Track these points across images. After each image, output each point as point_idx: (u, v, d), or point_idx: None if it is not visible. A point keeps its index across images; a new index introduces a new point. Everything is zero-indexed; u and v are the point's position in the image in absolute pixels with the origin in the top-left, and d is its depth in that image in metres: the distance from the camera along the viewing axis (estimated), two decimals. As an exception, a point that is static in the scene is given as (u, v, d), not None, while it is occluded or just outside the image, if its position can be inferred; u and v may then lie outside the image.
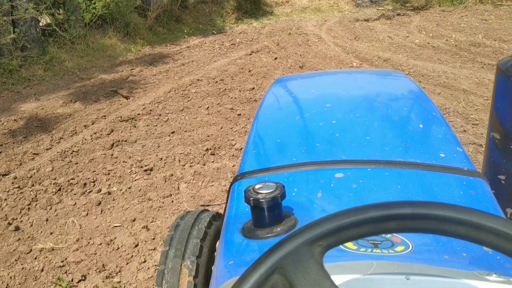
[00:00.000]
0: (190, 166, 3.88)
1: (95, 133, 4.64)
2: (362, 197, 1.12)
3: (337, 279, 0.75)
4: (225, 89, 5.81)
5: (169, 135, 4.53)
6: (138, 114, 5.11)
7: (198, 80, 6.28)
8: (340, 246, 0.77)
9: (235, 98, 5.49)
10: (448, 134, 1.48)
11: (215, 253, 1.60)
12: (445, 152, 1.35)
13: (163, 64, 7.31)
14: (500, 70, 1.53)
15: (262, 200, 0.94)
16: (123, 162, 4.00)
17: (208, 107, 5.23)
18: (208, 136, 4.45)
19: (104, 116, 5.18)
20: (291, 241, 0.53)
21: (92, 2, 7.42)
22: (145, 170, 3.84)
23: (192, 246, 1.49)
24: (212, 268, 1.48)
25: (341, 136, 1.47)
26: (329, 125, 1.55)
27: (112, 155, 4.16)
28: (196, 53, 7.95)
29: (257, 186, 0.97)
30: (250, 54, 7.60)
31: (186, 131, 4.62)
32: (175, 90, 5.87)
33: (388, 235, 0.93)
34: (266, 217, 0.98)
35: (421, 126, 1.53)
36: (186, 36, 9.24)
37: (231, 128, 4.63)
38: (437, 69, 6.18)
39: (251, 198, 0.95)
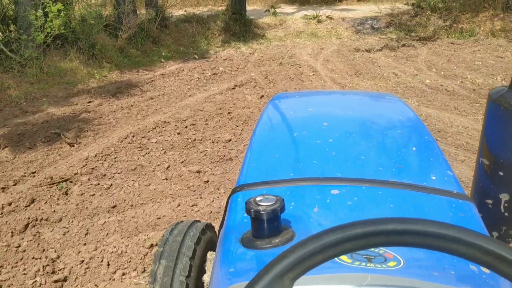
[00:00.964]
0: (122, 276, 2.69)
1: (10, 204, 3.44)
2: (357, 214, 1.15)
3: None
4: (195, 139, 4.64)
5: (106, 213, 3.34)
6: (76, 173, 3.91)
7: (165, 122, 5.11)
8: (336, 259, 0.85)
9: (206, 153, 4.33)
10: (440, 158, 1.54)
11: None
12: (436, 175, 1.41)
13: (128, 96, 6.14)
14: (491, 99, 1.55)
15: (263, 212, 0.96)
16: (30, 263, 2.80)
17: (168, 167, 4.06)
18: (158, 219, 3.26)
19: (33, 173, 3.98)
20: (262, 280, 0.54)
21: (48, 20, 6.23)
22: (56, 281, 2.65)
23: None
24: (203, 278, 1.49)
25: (337, 154, 1.52)
26: (326, 143, 1.61)
27: (18, 247, 2.95)
28: (171, 83, 6.79)
29: (258, 198, 1.00)
30: (233, 89, 6.46)
31: (131, 207, 3.43)
32: (132, 137, 4.69)
33: (381, 251, 0.96)
34: (265, 228, 1.00)
35: (414, 149, 1.59)
36: (163, 60, 8.09)
37: (193, 205, 3.45)
38: (456, 122, 5.08)
39: (252, 210, 0.97)
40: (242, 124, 5.10)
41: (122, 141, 4.60)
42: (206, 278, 1.46)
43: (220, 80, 6.93)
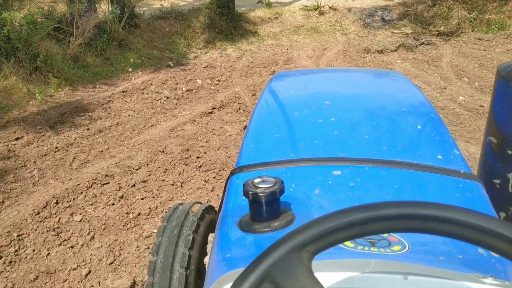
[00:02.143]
0: None
1: None
2: (359, 195, 1.12)
3: (335, 276, 0.78)
4: (140, 213, 3.19)
5: None
6: None
7: (107, 176, 3.66)
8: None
9: (151, 240, 2.89)
10: (446, 137, 1.49)
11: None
12: (442, 154, 1.36)
13: (71, 128, 4.67)
14: (500, 75, 1.51)
15: (261, 194, 0.93)
16: None
17: (88, 273, 2.63)
18: None
19: None
20: (279, 248, 0.52)
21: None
22: None
23: None
24: (205, 260, 1.49)
25: (340, 134, 1.47)
26: (328, 122, 1.56)
27: None
28: (132, 104, 5.31)
29: (256, 180, 0.96)
30: (210, 113, 4.99)
31: None
32: (54, 205, 3.26)
33: (385, 234, 0.92)
34: (264, 211, 0.97)
35: (419, 127, 1.55)
36: (131, 69, 6.59)
37: None
38: None
39: (250, 192, 0.94)
40: (215, 178, 3.65)
41: (36, 214, 3.16)
42: (207, 260, 1.42)
43: (195, 99, 5.44)
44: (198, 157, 3.98)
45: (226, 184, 1.36)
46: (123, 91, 5.70)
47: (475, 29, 8.42)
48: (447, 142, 1.46)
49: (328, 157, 1.32)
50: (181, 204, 1.79)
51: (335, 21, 9.19)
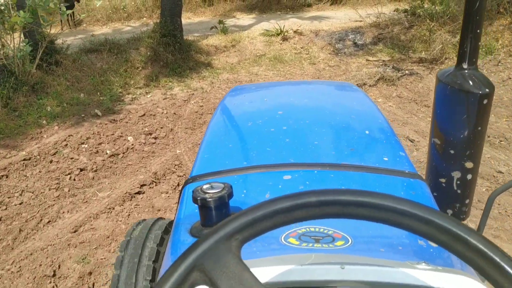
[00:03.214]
0: None
1: None
2: None
3: (275, 270, 0.81)
4: None
5: None
6: None
7: None
8: (283, 241, 0.94)
9: None
10: (392, 140, 1.57)
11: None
12: (388, 156, 1.43)
13: None
14: (439, 80, 1.59)
15: (210, 199, 0.95)
16: None
17: None
18: None
19: None
20: (208, 239, 0.54)
21: None
22: None
23: None
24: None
25: (291, 141, 1.53)
26: (280, 130, 1.61)
27: None
28: (32, 181, 3.86)
29: (204, 187, 0.99)
30: (136, 194, 3.60)
31: None
32: None
33: (330, 231, 0.97)
34: (213, 216, 0.99)
35: (367, 132, 1.61)
36: (45, 122, 5.13)
37: None
38: None
39: (199, 198, 0.96)
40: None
41: None
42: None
43: (119, 170, 4.04)
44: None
45: (180, 194, 1.38)
46: (25, 159, 4.23)
47: (460, 55, 7.38)
48: (393, 145, 1.54)
49: (279, 163, 1.36)
50: (144, 220, 1.78)
51: (301, 47, 7.99)
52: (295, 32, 8.39)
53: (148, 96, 6.06)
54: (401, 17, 8.76)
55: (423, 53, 7.35)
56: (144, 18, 10.16)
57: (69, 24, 9.08)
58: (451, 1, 7.91)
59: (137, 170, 4.01)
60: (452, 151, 1.59)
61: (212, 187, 0.99)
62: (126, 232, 1.67)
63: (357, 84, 6.18)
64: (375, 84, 6.19)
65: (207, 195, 0.96)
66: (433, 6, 8.12)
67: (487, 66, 6.82)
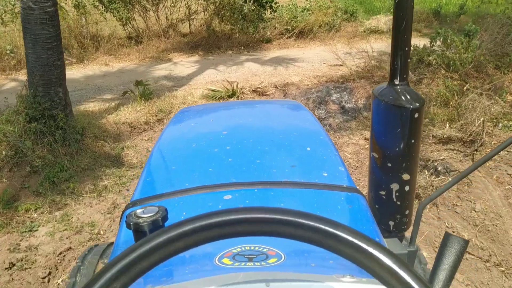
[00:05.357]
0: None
1: None
2: None
3: None
4: None
5: None
6: None
7: None
8: (217, 262, 0.94)
9: None
10: (332, 156, 1.61)
11: None
12: (328, 171, 1.48)
13: None
14: (374, 95, 1.63)
15: (143, 223, 0.90)
16: None
17: None
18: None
19: None
20: None
21: None
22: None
23: None
24: None
25: (233, 160, 1.54)
26: (224, 151, 1.62)
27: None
28: None
29: (138, 211, 0.93)
30: None
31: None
32: None
33: (265, 249, 0.98)
34: None
35: (308, 149, 1.66)
36: None
37: None
38: None
39: (131, 223, 0.91)
40: None
41: None
42: None
43: None
44: None
45: (120, 219, 1.35)
46: None
47: (504, 127, 4.92)
48: (333, 160, 1.57)
49: (220, 184, 1.36)
50: (96, 245, 1.81)
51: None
52: (254, 91, 5.70)
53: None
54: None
55: (447, 126, 4.83)
56: (11, 75, 7.17)
57: None
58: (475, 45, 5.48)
59: None
60: (389, 164, 1.64)
61: (146, 211, 0.93)
62: (78, 258, 1.65)
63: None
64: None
65: (140, 220, 0.90)
66: (447, 51, 5.68)
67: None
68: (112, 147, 4.55)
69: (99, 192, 3.89)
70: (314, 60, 7.51)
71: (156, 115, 5.05)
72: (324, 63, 7.28)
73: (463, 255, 0.87)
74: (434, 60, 5.61)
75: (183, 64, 7.55)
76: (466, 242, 0.87)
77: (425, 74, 5.70)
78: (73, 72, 7.16)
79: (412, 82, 5.72)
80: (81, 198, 3.80)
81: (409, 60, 1.52)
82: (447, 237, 0.87)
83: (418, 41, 6.70)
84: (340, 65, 7.00)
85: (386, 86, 1.63)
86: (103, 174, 4.16)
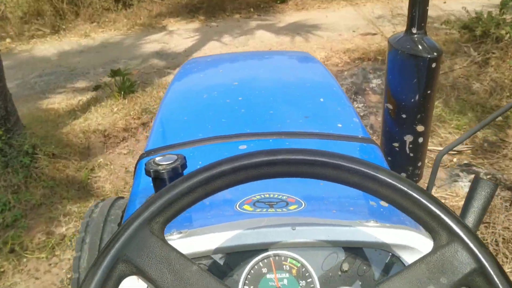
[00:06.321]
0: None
1: None
2: None
3: (228, 235, 0.81)
4: None
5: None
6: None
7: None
8: (238, 208, 0.92)
9: None
10: (346, 107, 1.58)
11: None
12: (342, 122, 1.46)
13: None
14: (391, 45, 1.61)
15: (163, 171, 0.90)
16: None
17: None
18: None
19: None
20: (127, 228, 0.52)
21: None
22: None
23: None
24: None
25: (246, 111, 1.53)
26: (236, 101, 1.60)
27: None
28: None
29: (157, 159, 0.94)
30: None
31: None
32: None
33: (284, 196, 0.98)
34: None
35: (321, 100, 1.63)
36: None
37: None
38: None
39: (152, 170, 0.91)
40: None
41: None
42: None
43: None
44: None
45: (134, 169, 1.36)
46: None
47: None
48: (347, 111, 1.54)
49: (234, 134, 1.36)
50: (102, 200, 1.80)
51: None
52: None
53: None
54: (455, 37, 4.88)
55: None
56: None
57: None
58: None
59: None
60: (404, 115, 1.62)
61: (165, 159, 0.93)
62: (85, 213, 1.64)
63: None
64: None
65: (160, 167, 0.90)
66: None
67: None
68: (78, 168, 3.34)
69: (52, 248, 2.72)
70: (341, 27, 6.09)
71: (139, 118, 3.79)
72: (353, 31, 5.87)
73: (492, 199, 0.86)
74: (508, 35, 4.20)
75: (180, 34, 6.18)
76: (496, 185, 0.87)
77: (493, 53, 4.31)
78: (45, 47, 5.84)
79: (476, 64, 4.35)
80: (24, 261, 2.65)
81: (427, 7, 1.49)
82: (476, 180, 0.87)
83: (471, 2, 5.24)
84: (374, 34, 5.62)
85: (403, 35, 1.60)
86: (61, 213, 2.98)
